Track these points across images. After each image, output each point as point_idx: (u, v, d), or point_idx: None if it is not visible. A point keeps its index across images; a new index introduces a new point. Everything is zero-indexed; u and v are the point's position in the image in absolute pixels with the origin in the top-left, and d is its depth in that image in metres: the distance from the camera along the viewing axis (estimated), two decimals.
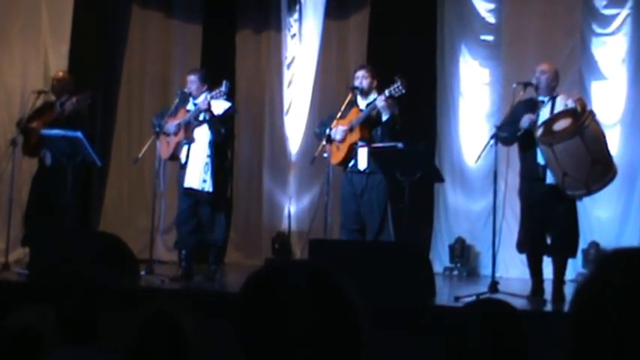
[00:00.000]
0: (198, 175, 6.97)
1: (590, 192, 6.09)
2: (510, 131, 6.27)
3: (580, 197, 6.18)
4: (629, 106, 8.07)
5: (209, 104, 6.92)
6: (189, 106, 7.15)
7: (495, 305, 2.22)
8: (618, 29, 8.16)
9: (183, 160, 7.10)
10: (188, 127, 7.07)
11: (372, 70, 7.02)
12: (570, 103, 6.14)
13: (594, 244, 7.74)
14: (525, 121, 6.20)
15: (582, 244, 7.05)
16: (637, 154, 7.94)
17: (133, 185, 9.42)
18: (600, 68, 8.17)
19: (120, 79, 9.61)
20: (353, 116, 6.86)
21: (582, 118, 5.94)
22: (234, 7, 9.56)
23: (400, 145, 6.45)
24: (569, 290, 6.14)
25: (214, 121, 6.99)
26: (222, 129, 7.04)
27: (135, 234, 8.38)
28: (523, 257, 6.53)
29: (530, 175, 6.28)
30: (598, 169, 5.97)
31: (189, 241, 7.14)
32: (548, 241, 6.30)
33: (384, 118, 6.71)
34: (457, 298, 5.92)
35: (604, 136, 6.13)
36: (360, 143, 6.82)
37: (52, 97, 7.72)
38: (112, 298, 2.28)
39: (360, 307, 1.43)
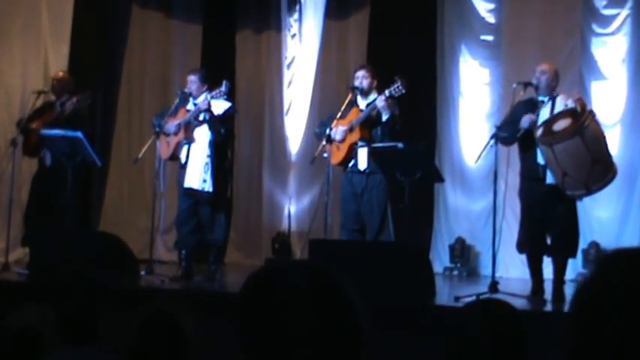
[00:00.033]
0: (198, 175, 6.97)
1: (590, 192, 6.09)
2: (510, 131, 6.27)
3: (580, 197, 6.18)
4: (629, 106, 8.07)
5: (209, 104, 6.93)
6: (190, 106, 7.15)
7: (495, 305, 2.22)
8: (618, 29, 8.16)
9: (183, 160, 7.10)
10: (188, 127, 7.07)
11: (372, 70, 7.02)
12: (570, 103, 6.14)
13: (594, 244, 7.74)
14: (525, 121, 6.20)
15: (582, 244, 7.05)
16: (637, 154, 7.94)
17: (133, 185, 9.42)
18: (600, 68, 8.17)
19: (120, 79, 9.61)
20: (353, 116, 6.86)
21: (582, 118, 5.94)
22: (234, 7, 9.56)
23: (400, 145, 6.45)
24: (569, 290, 6.14)
25: (214, 121, 6.98)
26: (222, 129, 7.04)
27: (135, 234, 8.39)
28: (523, 257, 6.53)
29: (531, 175, 6.28)
30: (598, 169, 5.97)
31: (189, 241, 7.14)
32: (549, 241, 6.30)
33: (384, 118, 6.71)
34: (457, 298, 5.92)
35: (604, 136, 6.13)
36: (360, 143, 6.82)
37: (52, 97, 7.72)
38: (112, 298, 2.29)
39: (360, 307, 1.43)
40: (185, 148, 7.09)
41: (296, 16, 9.39)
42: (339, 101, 7.06)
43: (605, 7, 8.19)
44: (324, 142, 6.84)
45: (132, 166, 8.45)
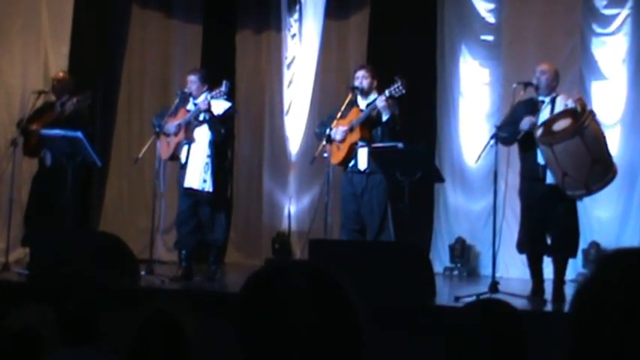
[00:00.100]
0: (198, 175, 6.96)
1: (590, 192, 6.09)
2: (510, 131, 6.27)
3: (580, 197, 6.18)
4: (629, 106, 8.07)
5: (209, 104, 6.92)
6: (190, 106, 7.15)
7: (495, 305, 2.22)
8: (618, 29, 8.16)
9: (183, 160, 7.11)
10: (188, 127, 7.07)
11: (372, 70, 7.02)
12: (570, 103, 6.13)
13: (594, 244, 7.74)
14: (526, 123, 6.19)
15: (582, 244, 7.05)
16: (637, 154, 7.94)
17: (133, 185, 9.42)
18: (600, 68, 8.17)
19: (120, 79, 9.61)
20: (353, 116, 6.86)
21: (582, 118, 5.94)
22: (234, 7, 9.56)
23: (400, 145, 6.45)
24: (569, 290, 6.14)
25: (214, 121, 6.98)
26: (222, 129, 7.04)
27: (135, 234, 8.38)
28: (523, 257, 6.53)
29: (531, 175, 6.28)
30: (598, 169, 5.96)
31: (190, 241, 7.14)
32: (549, 241, 6.30)
33: (385, 118, 6.71)
34: (457, 298, 5.92)
35: (604, 136, 6.12)
36: (360, 143, 6.81)
37: (53, 98, 7.72)
38: (112, 298, 2.29)
39: (360, 307, 1.43)
40: (185, 148, 7.09)
41: (296, 16, 9.39)
42: (339, 101, 7.06)
43: (605, 7, 8.19)
44: (324, 142, 6.84)
45: (132, 166, 8.46)
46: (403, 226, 6.64)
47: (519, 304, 5.37)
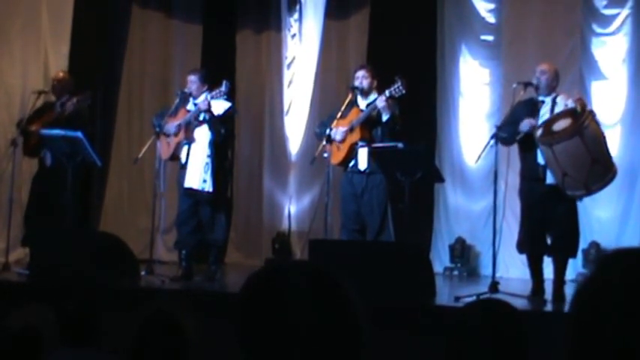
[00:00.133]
0: (198, 175, 6.96)
1: (589, 192, 6.09)
2: (510, 131, 6.27)
3: (580, 197, 6.18)
4: (629, 106, 8.07)
5: (209, 104, 6.92)
6: (190, 106, 7.15)
7: (495, 305, 2.22)
8: (618, 29, 8.16)
9: (183, 161, 7.10)
10: (188, 128, 7.07)
11: (372, 70, 7.02)
12: (570, 103, 6.13)
13: (595, 244, 7.74)
14: (525, 125, 6.19)
15: (583, 244, 7.04)
16: (637, 154, 7.94)
17: (133, 185, 9.42)
18: (600, 68, 8.17)
19: (120, 79, 9.61)
20: (353, 116, 6.86)
21: (582, 118, 5.94)
22: (234, 7, 9.56)
23: (400, 145, 6.45)
24: (569, 290, 6.14)
25: (214, 121, 6.98)
26: (222, 129, 7.04)
27: (135, 234, 8.39)
28: (523, 257, 6.53)
29: (531, 175, 6.28)
30: (598, 169, 5.96)
31: (190, 241, 7.14)
32: (549, 241, 6.30)
33: (385, 118, 6.71)
34: (457, 298, 5.92)
35: (604, 137, 6.12)
36: (360, 143, 6.81)
37: (52, 98, 7.72)
38: (112, 298, 2.29)
39: (360, 307, 1.43)
40: (185, 148, 7.09)
41: (296, 16, 9.39)
42: (339, 101, 7.06)
43: (606, 7, 8.19)
44: (324, 142, 6.84)
45: (132, 166, 8.45)
46: (403, 226, 6.63)
47: (519, 304, 5.37)
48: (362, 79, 6.90)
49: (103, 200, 9.45)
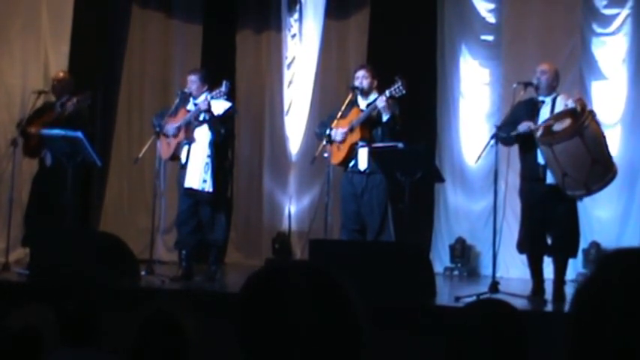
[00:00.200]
0: (198, 175, 6.96)
1: (590, 192, 6.09)
2: (510, 132, 6.27)
3: (580, 197, 6.18)
4: (629, 106, 8.07)
5: (209, 104, 6.92)
6: (190, 106, 7.15)
7: (495, 305, 2.22)
8: (618, 29, 8.16)
9: (183, 161, 7.10)
10: (188, 128, 7.07)
11: (372, 70, 7.02)
12: (570, 103, 6.13)
13: (595, 244, 7.74)
14: (523, 126, 6.19)
15: (583, 244, 7.04)
16: (637, 154, 7.94)
17: (133, 185, 9.42)
18: (600, 68, 8.17)
19: (120, 79, 9.61)
20: (353, 116, 6.86)
21: (582, 118, 5.94)
22: (234, 7, 9.56)
23: (400, 145, 6.45)
24: (569, 290, 6.14)
25: (214, 121, 6.98)
26: (223, 129, 7.03)
27: (135, 234, 8.39)
28: (523, 257, 6.53)
29: (531, 175, 6.28)
30: (598, 169, 5.96)
31: (190, 241, 7.14)
32: (549, 241, 6.30)
33: (385, 118, 6.70)
34: (457, 298, 5.92)
35: (604, 137, 6.12)
36: (360, 143, 6.81)
37: (53, 98, 7.72)
38: (112, 298, 2.29)
39: (360, 307, 1.43)
40: (185, 148, 7.09)
41: (296, 16, 9.39)
42: (339, 101, 7.06)
43: (606, 6, 8.19)
44: (324, 142, 6.84)
45: (132, 166, 8.46)
46: (403, 226, 6.63)
47: (519, 304, 5.37)
48: (362, 79, 6.90)
49: (103, 200, 9.45)
